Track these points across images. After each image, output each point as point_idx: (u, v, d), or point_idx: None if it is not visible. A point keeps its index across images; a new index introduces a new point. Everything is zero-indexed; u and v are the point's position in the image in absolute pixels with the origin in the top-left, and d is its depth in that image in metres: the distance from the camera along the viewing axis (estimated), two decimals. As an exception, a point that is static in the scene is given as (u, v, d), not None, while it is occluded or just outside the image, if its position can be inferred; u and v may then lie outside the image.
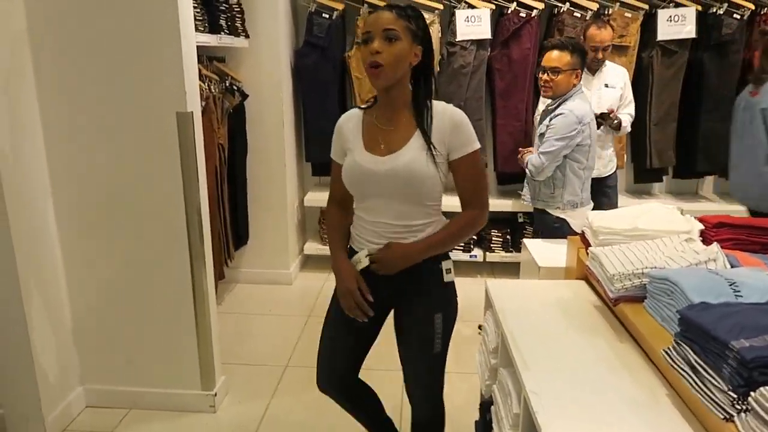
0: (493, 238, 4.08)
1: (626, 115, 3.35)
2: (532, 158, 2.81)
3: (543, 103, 3.13)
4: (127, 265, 2.38)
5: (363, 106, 1.71)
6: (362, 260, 1.65)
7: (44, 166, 2.27)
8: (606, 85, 3.32)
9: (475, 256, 4.09)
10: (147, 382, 2.49)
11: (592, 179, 3.37)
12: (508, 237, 4.09)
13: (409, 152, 1.56)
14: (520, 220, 4.11)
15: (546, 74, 2.76)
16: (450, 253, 1.71)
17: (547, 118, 2.79)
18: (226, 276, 3.58)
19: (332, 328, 1.79)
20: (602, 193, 3.42)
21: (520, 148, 3.06)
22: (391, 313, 1.78)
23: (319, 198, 4.07)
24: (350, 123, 1.68)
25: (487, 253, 4.08)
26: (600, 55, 3.21)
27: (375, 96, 1.68)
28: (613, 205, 3.41)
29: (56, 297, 2.36)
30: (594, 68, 3.27)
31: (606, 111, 3.19)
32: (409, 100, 1.61)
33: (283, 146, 3.76)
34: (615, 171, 3.44)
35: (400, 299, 1.71)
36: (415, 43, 1.54)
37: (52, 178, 2.29)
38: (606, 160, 3.38)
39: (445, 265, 1.68)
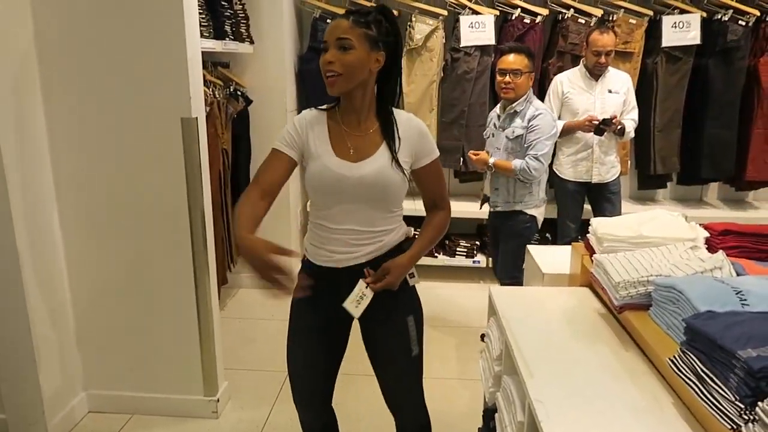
0: (497, 244, 4.07)
1: (630, 121, 3.35)
2: (530, 163, 2.79)
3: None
4: (130, 270, 2.38)
5: (323, 107, 1.66)
6: (365, 295, 1.60)
7: (49, 171, 2.27)
8: (609, 91, 3.32)
9: (478, 261, 4.08)
10: (150, 387, 2.49)
11: (595, 184, 3.39)
12: (511, 243, 4.08)
13: (380, 159, 1.56)
14: (524, 226, 4.09)
15: (507, 76, 2.79)
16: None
17: (522, 120, 2.82)
18: (229, 281, 3.58)
19: (303, 347, 1.73)
20: (605, 199, 3.42)
21: (471, 152, 3.02)
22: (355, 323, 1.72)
23: (322, 203, 4.06)
24: (316, 126, 1.61)
25: (490, 258, 4.07)
26: (603, 60, 3.21)
27: (337, 98, 1.63)
28: (617, 211, 3.41)
29: (60, 302, 2.36)
30: (597, 73, 3.27)
31: (609, 117, 3.19)
32: (373, 105, 1.61)
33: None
34: (618, 177, 3.44)
35: (367, 308, 1.64)
36: (375, 50, 1.52)
37: (56, 183, 2.30)
38: (608, 166, 3.38)
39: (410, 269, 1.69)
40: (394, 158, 1.57)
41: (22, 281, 2.12)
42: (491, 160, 2.91)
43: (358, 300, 1.60)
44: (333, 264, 1.62)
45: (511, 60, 2.79)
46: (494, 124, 2.99)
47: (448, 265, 4.10)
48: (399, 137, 1.59)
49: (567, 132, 3.35)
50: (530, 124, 2.78)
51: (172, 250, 2.33)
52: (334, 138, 1.60)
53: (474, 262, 4.08)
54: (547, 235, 4.05)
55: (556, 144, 3.50)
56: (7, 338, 2.19)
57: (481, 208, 3.18)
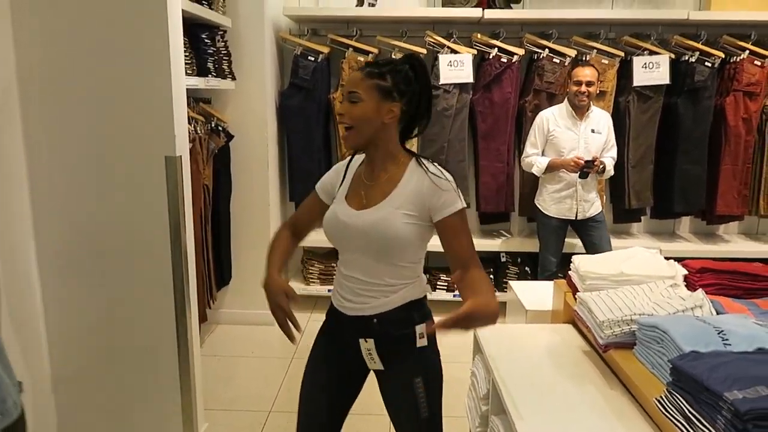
0: (477, 278, 4.09)
1: (609, 159, 3.46)
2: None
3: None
4: (109, 310, 2.33)
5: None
6: (373, 351, 1.58)
7: (28, 207, 2.23)
8: (593, 131, 3.43)
9: (459, 295, 4.08)
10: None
11: (578, 221, 3.46)
12: (491, 276, 4.11)
13: (384, 209, 1.52)
14: (503, 259, 4.14)
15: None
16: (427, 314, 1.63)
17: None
18: (208, 317, 3.52)
19: (313, 394, 1.71)
20: (589, 228, 3.50)
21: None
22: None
23: (302, 237, 4.06)
24: (350, 171, 1.65)
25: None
26: (584, 89, 3.30)
27: None
28: (605, 235, 3.52)
29: (35, 344, 2.29)
30: (579, 107, 3.37)
31: (591, 159, 3.30)
32: (395, 156, 1.57)
33: (267, 186, 3.76)
34: (601, 210, 3.56)
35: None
36: (387, 101, 1.49)
37: (35, 220, 2.25)
38: (591, 203, 3.47)
39: (419, 329, 1.57)
40: (399, 209, 1.51)
41: (-3, 323, 2.06)
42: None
43: (369, 355, 1.58)
44: (343, 310, 1.61)
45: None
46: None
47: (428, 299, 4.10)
48: (410, 187, 1.52)
49: (551, 169, 3.44)
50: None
51: (153, 290, 2.28)
52: (354, 184, 1.62)
53: (455, 296, 4.09)
54: (527, 268, 4.09)
55: (539, 180, 3.58)
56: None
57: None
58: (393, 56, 3.80)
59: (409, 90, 1.51)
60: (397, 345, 1.58)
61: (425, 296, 1.64)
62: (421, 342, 1.58)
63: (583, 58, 3.82)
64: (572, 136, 3.42)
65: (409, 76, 1.52)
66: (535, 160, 3.49)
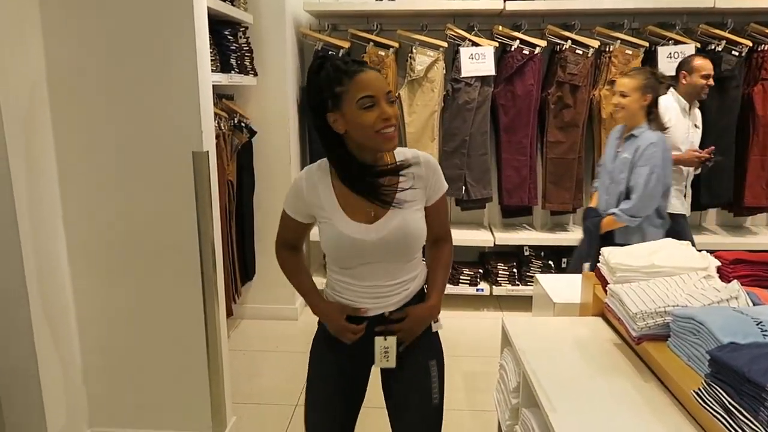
0: (500, 272, 4.07)
1: None
2: None
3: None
4: (138, 305, 2.36)
5: (318, 164, 1.57)
6: (388, 347, 1.56)
7: (58, 205, 2.27)
8: (695, 126, 3.33)
9: (482, 289, 4.07)
10: (157, 424, 2.45)
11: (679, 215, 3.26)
12: (514, 270, 4.08)
13: (396, 213, 1.49)
14: (526, 252, 4.11)
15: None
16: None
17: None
18: (233, 312, 3.55)
19: (324, 400, 1.67)
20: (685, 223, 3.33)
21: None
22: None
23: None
24: (319, 185, 1.53)
25: (494, 286, 4.07)
26: (711, 82, 3.23)
27: (335, 156, 1.51)
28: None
29: (67, 337, 2.34)
30: (700, 99, 3.30)
31: (711, 151, 3.17)
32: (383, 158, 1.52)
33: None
34: None
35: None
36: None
37: (65, 216, 2.29)
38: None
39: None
40: (410, 206, 1.50)
41: (30, 316, 2.10)
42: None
43: (385, 354, 1.56)
44: (357, 314, 1.56)
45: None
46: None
47: (451, 293, 4.09)
48: (411, 180, 1.52)
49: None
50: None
51: (182, 284, 2.31)
52: (343, 198, 1.50)
53: (478, 290, 4.07)
54: (550, 262, 4.06)
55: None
56: (14, 375, 2.15)
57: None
58: (413, 50, 3.79)
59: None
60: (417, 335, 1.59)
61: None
62: (437, 326, 1.64)
63: (606, 49, 3.77)
64: (684, 130, 3.26)
65: None
66: None
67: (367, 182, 1.47)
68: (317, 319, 1.68)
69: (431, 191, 1.56)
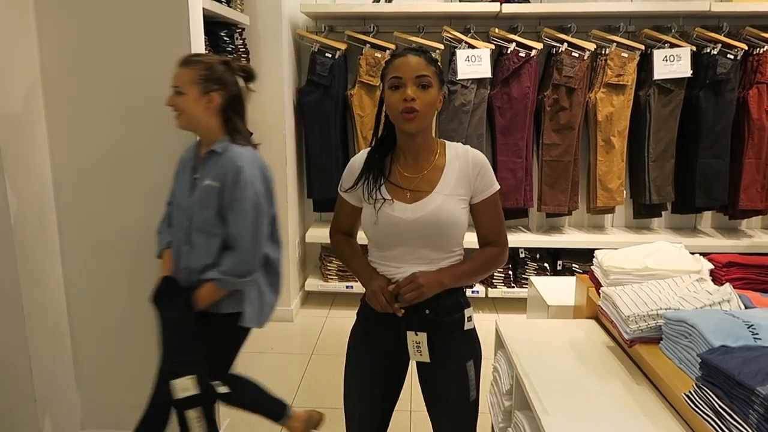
0: (495, 274, 4.07)
1: None
2: None
3: None
4: (131, 308, 2.36)
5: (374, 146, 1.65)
6: (420, 341, 1.55)
7: (52, 209, 2.27)
8: None
9: (477, 291, 4.08)
10: (150, 425, 2.44)
11: None
12: (509, 272, 4.09)
13: (436, 198, 1.53)
14: (522, 255, 4.12)
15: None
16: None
17: None
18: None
19: (360, 389, 1.69)
20: None
21: None
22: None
23: (320, 234, 4.06)
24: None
25: (489, 288, 4.08)
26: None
27: (379, 138, 1.62)
28: None
29: (60, 341, 2.33)
30: None
31: None
32: (432, 144, 1.59)
33: (285, 183, 3.77)
34: None
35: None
36: (441, 89, 1.53)
37: (59, 222, 2.29)
38: None
39: (467, 312, 1.62)
40: (452, 195, 1.53)
41: (23, 317, 2.10)
42: None
43: (417, 348, 1.55)
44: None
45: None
46: None
47: (446, 295, 4.09)
48: (455, 171, 1.55)
49: None
50: None
51: (176, 285, 2.31)
52: (389, 178, 1.57)
53: (473, 292, 4.08)
54: (546, 264, 4.07)
55: None
56: (7, 377, 2.15)
57: None
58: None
59: (443, 81, 1.56)
60: (448, 332, 1.59)
61: None
62: (469, 325, 1.62)
63: (602, 52, 3.78)
64: None
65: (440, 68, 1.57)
66: None
67: (376, 159, 1.57)
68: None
69: (476, 188, 1.57)
